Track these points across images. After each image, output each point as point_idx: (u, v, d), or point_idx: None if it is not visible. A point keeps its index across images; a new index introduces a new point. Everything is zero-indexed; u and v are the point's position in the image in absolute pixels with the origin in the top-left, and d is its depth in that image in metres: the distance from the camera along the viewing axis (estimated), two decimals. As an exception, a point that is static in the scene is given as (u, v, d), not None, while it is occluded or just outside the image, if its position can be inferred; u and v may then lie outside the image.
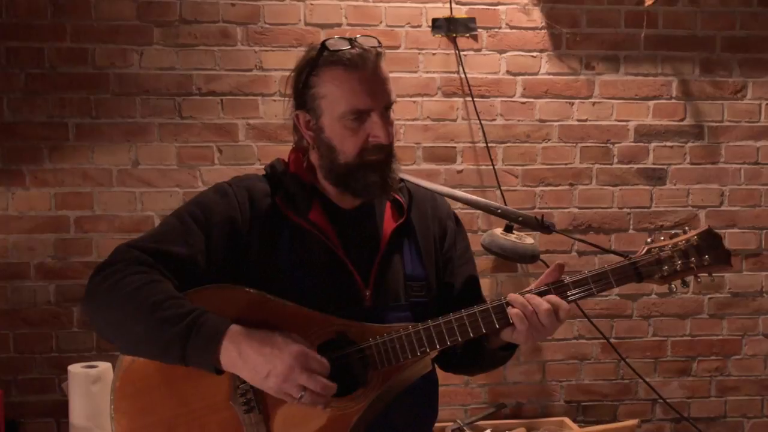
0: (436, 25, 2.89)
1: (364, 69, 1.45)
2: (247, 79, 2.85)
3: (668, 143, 3.03)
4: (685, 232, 1.48)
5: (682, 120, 3.03)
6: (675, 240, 1.47)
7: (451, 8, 2.88)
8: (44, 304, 2.82)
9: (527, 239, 2.81)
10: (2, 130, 2.78)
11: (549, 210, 2.96)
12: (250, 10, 2.83)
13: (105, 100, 2.81)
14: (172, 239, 1.44)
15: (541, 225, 1.60)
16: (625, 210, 3.02)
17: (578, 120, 2.99)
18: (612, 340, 3.00)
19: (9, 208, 2.79)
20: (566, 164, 3.00)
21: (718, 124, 3.05)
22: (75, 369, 2.40)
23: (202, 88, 2.84)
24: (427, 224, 1.61)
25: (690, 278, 1.47)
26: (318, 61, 1.47)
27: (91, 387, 2.37)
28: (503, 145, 2.96)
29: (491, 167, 2.93)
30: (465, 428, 2.84)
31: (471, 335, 1.43)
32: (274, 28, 2.85)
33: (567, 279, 1.46)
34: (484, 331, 1.43)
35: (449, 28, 2.89)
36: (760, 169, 3.07)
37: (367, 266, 1.52)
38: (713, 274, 1.48)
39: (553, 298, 1.42)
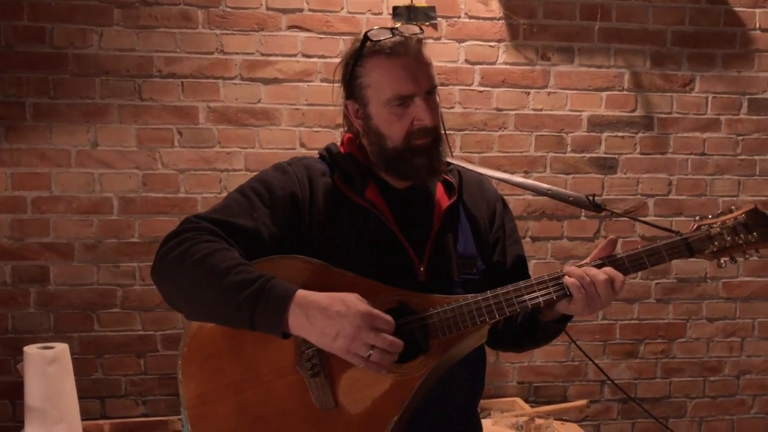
0: (397, 12, 2.87)
1: (406, 55, 1.48)
2: (207, 62, 2.79)
3: (619, 133, 3.06)
4: (731, 211, 1.52)
5: (633, 111, 3.07)
6: (723, 218, 1.51)
7: (411, -3, 2.86)
8: (0, 285, 2.73)
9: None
10: (-43, 108, 2.69)
11: (505, 196, 2.96)
12: (211, -7, 2.78)
13: (63, 80, 2.73)
14: (237, 212, 1.47)
15: (593, 204, 1.64)
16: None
17: (534, 109, 3.00)
18: (563, 323, 3.03)
19: (-36, 187, 2.70)
20: (522, 152, 3.01)
21: (667, 115, 3.09)
22: (31, 350, 2.34)
23: (162, 70, 2.78)
24: (477, 205, 1.64)
25: (738, 254, 1.51)
26: (362, 51, 1.51)
27: (47, 368, 2.31)
28: (461, 132, 2.96)
29: (449, 154, 2.92)
30: (420, 408, 2.84)
31: (529, 306, 1.46)
32: (235, 12, 2.80)
33: (621, 254, 1.49)
34: (542, 302, 1.46)
35: (409, 16, 2.87)
36: (706, 159, 3.13)
37: (421, 243, 1.54)
38: (760, 250, 1.52)
39: (609, 269, 1.45)
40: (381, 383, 1.41)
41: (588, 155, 3.05)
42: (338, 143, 1.63)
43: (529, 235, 3.03)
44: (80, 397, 2.37)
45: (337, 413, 1.41)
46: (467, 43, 2.94)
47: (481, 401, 2.89)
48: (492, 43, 2.95)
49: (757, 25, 3.10)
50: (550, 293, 1.46)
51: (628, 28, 3.03)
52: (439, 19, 2.90)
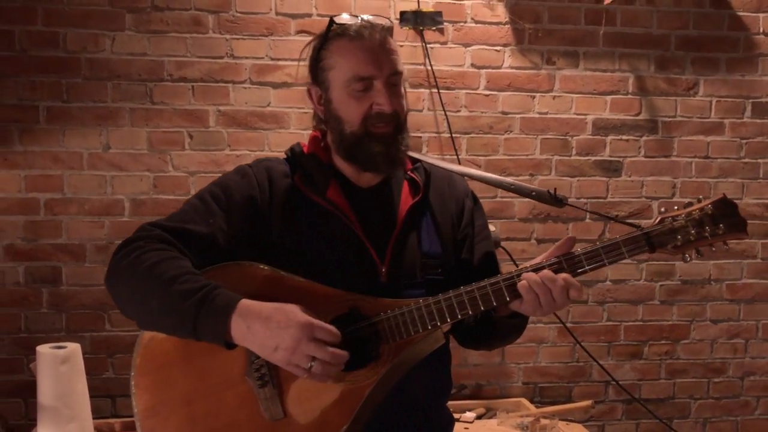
0: (404, 17, 2.87)
1: (369, 39, 1.45)
2: (218, 66, 2.79)
3: (624, 137, 3.05)
4: (699, 201, 1.41)
5: (637, 114, 3.05)
6: (689, 209, 1.40)
7: (418, 2, 2.86)
8: (13, 285, 2.74)
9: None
10: (-28, 112, 2.69)
11: (509, 199, 2.96)
12: (221, -2, 2.79)
13: (76, 84, 2.73)
14: (192, 218, 1.45)
15: (554, 199, 1.58)
16: (582, 200, 3.04)
17: (539, 113, 2.99)
18: (568, 325, 3.02)
19: (-22, 189, 2.71)
20: (527, 155, 3.00)
21: (671, 119, 3.07)
22: (43, 349, 2.34)
23: (173, 74, 2.78)
24: (445, 202, 1.60)
25: (705, 248, 1.39)
26: (327, 35, 1.48)
27: (59, 367, 2.31)
28: (467, 135, 2.95)
29: (455, 157, 2.92)
30: (427, 408, 2.83)
31: (481, 308, 1.41)
32: (245, 17, 2.80)
33: (578, 251, 1.41)
34: (494, 304, 1.41)
35: (416, 21, 2.87)
36: (710, 162, 3.11)
37: (383, 243, 1.50)
38: (728, 242, 1.40)
39: (567, 277, 1.38)
40: (330, 392, 1.38)
41: (593, 158, 3.04)
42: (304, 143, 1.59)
43: (535, 237, 3.02)
44: (91, 396, 2.37)
45: (286, 424, 1.38)
46: (473, 47, 2.93)
47: (487, 401, 2.92)
48: (498, 48, 2.94)
49: (761, 30, 3.08)
50: (503, 295, 1.40)
51: (633, 32, 3.01)
52: (445, 23, 2.90)
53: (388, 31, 1.48)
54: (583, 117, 3.02)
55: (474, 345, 1.69)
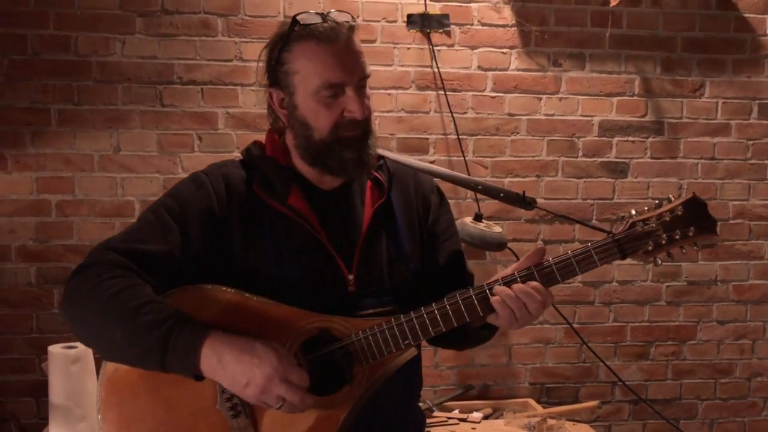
0: (411, 20, 2.87)
1: (337, 42, 1.36)
2: (227, 69, 2.80)
3: (630, 138, 3.04)
4: (670, 201, 1.35)
5: (643, 116, 3.04)
6: (659, 211, 1.34)
7: (425, 4, 2.85)
8: (25, 286, 2.75)
9: (495, 228, 2.80)
10: (-15, 114, 2.71)
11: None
12: (230, 1, 2.78)
13: (87, 87, 2.74)
14: (147, 237, 1.37)
15: (523, 200, 1.53)
16: (588, 201, 3.03)
17: (545, 114, 2.98)
18: (575, 325, 3.01)
19: (-9, 191, 2.72)
20: (533, 156, 2.99)
21: (677, 120, 3.06)
22: (55, 349, 2.35)
23: (182, 77, 2.78)
24: (410, 201, 1.53)
25: (675, 251, 1.34)
26: (290, 36, 1.38)
27: (70, 367, 2.32)
28: (474, 137, 2.95)
29: (462, 158, 2.91)
30: (434, 408, 2.83)
31: (454, 325, 1.36)
32: (254, 20, 2.80)
33: (550, 260, 1.36)
34: (467, 319, 1.37)
35: (423, 23, 2.87)
36: (716, 164, 3.09)
37: (349, 250, 1.44)
38: (698, 244, 1.35)
39: (539, 286, 1.34)
40: (305, 419, 1.33)
41: (599, 159, 3.03)
42: (261, 142, 1.50)
43: (541, 239, 3.01)
44: (102, 396, 2.37)
45: None
46: (480, 49, 2.92)
47: (494, 402, 2.91)
48: (504, 50, 2.94)
49: (767, 31, 3.06)
50: (476, 311, 1.35)
51: (639, 34, 3.00)
52: (452, 26, 2.89)
53: (353, 30, 1.39)
54: (589, 118, 3.01)
55: (441, 345, 1.63)
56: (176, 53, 2.77)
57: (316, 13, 1.39)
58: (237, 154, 2.77)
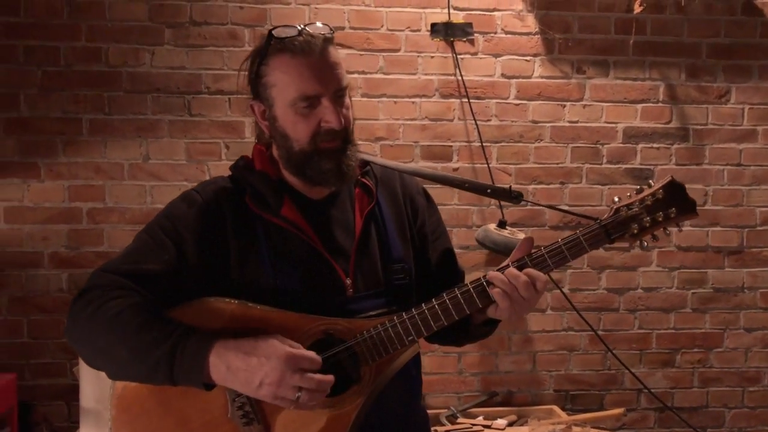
0: (435, 29, 2.86)
1: (311, 55, 1.36)
2: (253, 78, 2.81)
3: (655, 145, 3.00)
4: (649, 186, 1.39)
5: (668, 123, 3.00)
6: (641, 196, 1.38)
7: (449, 13, 2.85)
8: (57, 292, 2.78)
9: (519, 235, 2.78)
10: (19, 124, 2.75)
11: (540, 208, 2.93)
12: (257, 12, 2.80)
13: (117, 97, 2.78)
14: (144, 257, 1.36)
15: (509, 194, 1.53)
16: (613, 206, 2.99)
17: (569, 121, 2.96)
18: (599, 332, 2.97)
19: (24, 199, 2.76)
20: (557, 164, 2.96)
21: (702, 127, 3.02)
22: (85, 354, 2.37)
23: (210, 87, 2.81)
24: (398, 204, 1.53)
25: (659, 232, 1.39)
26: (267, 50, 1.38)
27: (101, 372, 2.34)
28: (497, 144, 2.93)
29: (486, 166, 2.90)
30: (458, 415, 2.81)
31: (456, 318, 1.37)
32: (279, 31, 2.81)
33: (541, 249, 1.37)
34: (467, 312, 1.37)
35: (447, 32, 2.86)
36: (742, 170, 3.04)
37: (345, 255, 1.44)
38: (680, 224, 1.41)
39: (530, 270, 1.34)
40: (316, 421, 1.33)
41: (624, 166, 2.99)
42: (248, 156, 1.51)
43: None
44: (131, 400, 2.39)
45: None
46: (503, 57, 2.91)
47: (519, 408, 2.88)
48: (528, 58, 2.92)
49: (794, 37, 3.02)
50: (475, 302, 1.36)
51: (663, 41, 2.97)
52: (476, 34, 2.88)
53: (330, 41, 1.39)
54: (613, 125, 2.98)
55: (440, 342, 1.62)
56: (204, 63, 2.80)
57: (292, 26, 1.39)
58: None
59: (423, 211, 1.57)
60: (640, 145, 2.99)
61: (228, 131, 2.82)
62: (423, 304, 1.37)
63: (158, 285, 1.35)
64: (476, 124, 2.89)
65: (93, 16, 2.74)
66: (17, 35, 2.72)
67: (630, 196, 1.40)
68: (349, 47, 2.84)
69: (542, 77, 2.93)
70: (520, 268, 1.35)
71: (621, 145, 2.98)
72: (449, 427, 2.69)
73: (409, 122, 2.88)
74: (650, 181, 1.41)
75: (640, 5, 2.87)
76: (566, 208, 1.99)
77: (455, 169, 2.90)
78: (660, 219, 1.36)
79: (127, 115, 2.78)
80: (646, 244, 1.39)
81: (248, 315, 1.34)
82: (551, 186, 2.96)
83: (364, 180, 1.50)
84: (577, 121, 2.96)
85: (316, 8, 2.82)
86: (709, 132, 3.02)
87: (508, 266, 1.37)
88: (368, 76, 2.85)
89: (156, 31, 2.77)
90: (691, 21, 2.97)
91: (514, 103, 2.93)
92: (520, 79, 2.92)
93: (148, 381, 1.31)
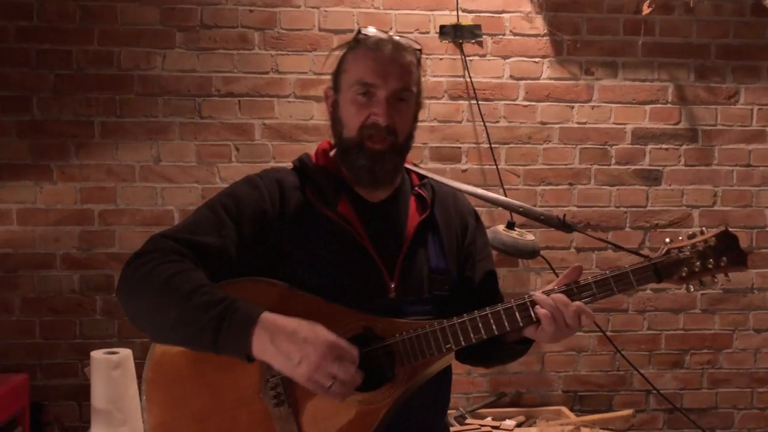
0: (444, 31, 2.85)
1: (381, 51, 1.42)
2: (263, 81, 2.81)
3: (664, 146, 2.98)
4: (702, 233, 1.42)
5: (677, 124, 2.98)
6: (693, 241, 1.41)
7: (458, 16, 2.84)
8: (69, 293, 2.78)
9: (528, 236, 2.76)
10: (32, 127, 2.75)
11: (549, 208, 2.90)
12: (267, 16, 2.80)
13: (129, 100, 2.78)
14: (204, 230, 1.39)
15: (562, 224, 1.56)
16: (622, 209, 2.97)
17: (578, 123, 2.94)
18: (608, 333, 2.95)
19: (37, 201, 2.77)
20: (566, 165, 2.94)
21: (711, 127, 2.99)
22: (97, 355, 2.36)
23: (220, 89, 2.80)
24: (449, 219, 1.56)
25: (708, 279, 1.41)
26: (351, 44, 1.48)
27: (112, 372, 2.33)
28: (506, 146, 2.92)
29: (494, 167, 2.88)
30: (467, 415, 2.79)
31: (495, 332, 1.38)
32: (289, 34, 2.81)
33: (589, 279, 1.40)
34: (508, 329, 1.38)
35: (456, 34, 2.85)
36: (752, 171, 3.01)
37: (392, 259, 1.46)
38: (729, 275, 1.42)
39: (581, 304, 1.37)
40: (346, 412, 1.33)
41: (632, 167, 2.97)
42: (311, 154, 1.55)
43: (574, 246, 2.96)
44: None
45: None
46: (512, 59, 2.89)
47: (527, 409, 2.86)
48: (536, 59, 2.90)
49: (803, 37, 2.98)
50: (517, 320, 1.37)
51: (672, 42, 2.94)
52: (484, 36, 2.87)
53: (409, 50, 1.45)
54: (622, 126, 2.96)
55: (469, 362, 1.63)
56: (214, 66, 2.79)
57: (383, 31, 1.48)
58: (274, 164, 2.81)
59: (473, 231, 1.59)
60: (649, 146, 2.97)
61: (238, 133, 2.82)
62: (465, 315, 1.38)
63: (212, 258, 1.37)
64: (485, 126, 2.87)
65: (105, 20, 2.75)
66: (30, 39, 2.73)
67: (681, 239, 1.43)
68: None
69: (551, 79, 2.91)
70: (568, 295, 1.38)
71: (630, 146, 2.96)
72: (458, 428, 2.67)
73: (419, 123, 2.84)
74: (703, 228, 1.43)
75: (648, 6, 2.84)
76: (615, 242, 1.99)
77: (464, 171, 2.89)
78: (710, 266, 1.39)
79: (139, 118, 2.79)
80: (692, 288, 1.42)
81: (293, 299, 1.37)
82: (560, 187, 2.94)
83: (420, 191, 1.54)
84: (585, 123, 2.94)
85: (325, 11, 2.81)
86: (718, 133, 2.99)
87: (553, 290, 1.40)
88: (377, 78, 2.84)
89: (167, 35, 2.77)
90: (699, 22, 2.94)
91: (523, 105, 2.91)
92: (529, 81, 2.91)
93: (190, 345, 1.32)
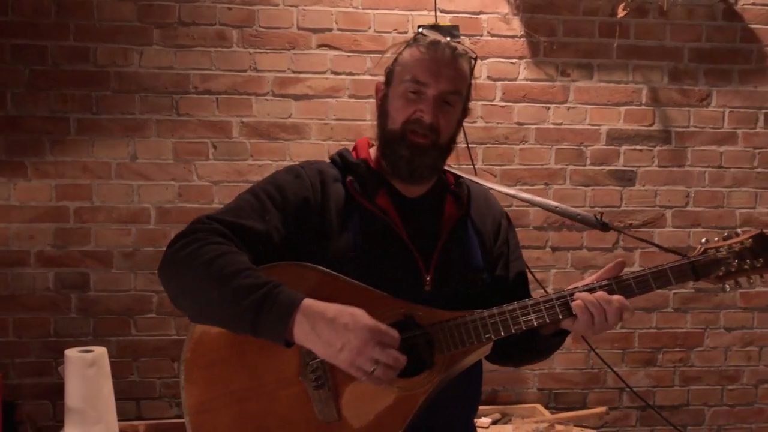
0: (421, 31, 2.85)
1: (436, 53, 1.46)
2: (241, 79, 2.80)
3: (638, 147, 3.01)
4: (738, 234, 1.45)
5: (651, 125, 3.01)
6: (729, 242, 1.44)
7: (435, 16, 2.84)
8: (43, 291, 2.74)
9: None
10: (6, 123, 2.71)
11: (525, 208, 2.93)
12: (245, 13, 2.78)
13: (105, 96, 2.74)
14: (248, 214, 1.41)
15: (600, 223, 1.58)
16: (596, 209, 2.99)
17: (554, 124, 2.96)
18: (583, 332, 2.97)
19: (11, 198, 2.72)
20: (542, 165, 2.97)
21: (684, 129, 3.03)
22: (71, 353, 2.34)
23: (198, 87, 2.78)
24: (483, 219, 1.60)
25: (744, 280, 1.45)
26: (409, 42, 1.53)
27: (86, 370, 2.31)
28: (483, 146, 2.93)
29: (472, 167, 2.89)
30: (443, 413, 2.79)
31: (534, 325, 1.40)
32: (268, 32, 2.80)
33: (628, 275, 1.43)
34: (547, 321, 1.40)
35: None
36: (723, 172, 3.06)
37: (428, 252, 1.48)
38: (765, 276, 1.46)
39: (622, 299, 1.40)
40: (385, 398, 1.35)
41: (607, 168, 3.00)
42: (351, 149, 1.59)
43: (549, 245, 2.98)
44: (117, 399, 2.36)
45: (341, 427, 1.35)
46: (489, 60, 2.91)
47: (503, 407, 2.87)
48: (513, 60, 2.92)
49: (773, 42, 3.04)
50: (556, 313, 1.40)
51: (646, 45, 2.98)
52: (462, 37, 2.87)
53: (465, 57, 1.50)
54: (597, 128, 2.98)
55: (503, 360, 1.63)
56: (192, 64, 2.77)
57: (441, 34, 1.53)
58: (251, 162, 2.80)
59: (505, 232, 1.62)
60: (623, 147, 3.00)
61: (215, 131, 2.80)
62: (505, 306, 1.40)
63: (255, 243, 1.39)
64: (462, 126, 2.87)
65: (81, 16, 2.71)
66: (4, 34, 2.68)
67: (717, 240, 1.46)
68: (337, 48, 2.83)
69: (527, 80, 2.93)
70: (608, 292, 1.40)
71: (604, 147, 2.99)
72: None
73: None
74: (738, 230, 1.48)
75: (623, 9, 2.87)
76: (657, 242, 2.01)
77: (441, 170, 2.90)
78: (746, 267, 1.43)
79: (115, 115, 2.75)
80: (728, 288, 1.45)
81: (333, 284, 1.38)
82: (536, 187, 2.96)
83: (456, 190, 1.57)
84: (561, 123, 2.96)
85: (304, 9, 2.80)
86: (691, 134, 3.03)
87: (594, 285, 1.42)
88: (356, 77, 2.84)
89: (144, 32, 2.74)
90: (673, 26, 2.98)
91: (500, 105, 2.93)
92: (506, 82, 2.92)
93: (230, 327, 1.33)
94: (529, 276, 1.72)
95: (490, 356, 1.57)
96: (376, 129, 1.54)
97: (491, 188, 1.65)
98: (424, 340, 1.38)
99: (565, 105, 2.96)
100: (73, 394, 2.29)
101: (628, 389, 3.00)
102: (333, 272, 1.40)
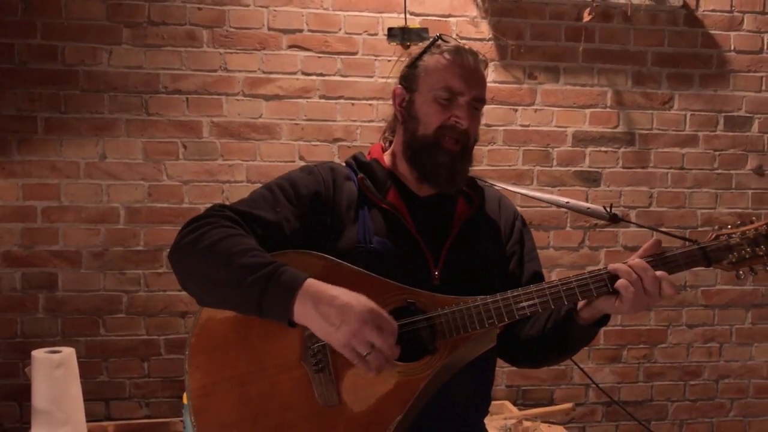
0: (392, 33, 2.86)
1: (464, 60, 1.50)
2: (211, 79, 2.78)
3: (603, 148, 3.06)
4: (752, 222, 1.43)
5: (615, 127, 3.06)
6: (743, 228, 1.42)
7: (405, 19, 2.85)
8: (10, 291, 2.69)
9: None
10: (-29, 122, 2.66)
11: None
12: (216, 14, 2.77)
13: (74, 95, 2.71)
14: (261, 206, 1.45)
15: (610, 216, 1.58)
16: (563, 209, 3.04)
17: (521, 125, 2.99)
18: (550, 329, 3.00)
19: (-23, 197, 2.67)
20: (510, 166, 3.00)
21: (647, 131, 3.08)
22: (39, 354, 2.30)
23: (168, 86, 2.76)
24: (496, 221, 1.61)
25: (759, 266, 1.41)
26: (429, 48, 1.54)
27: (54, 371, 2.27)
28: (452, 147, 2.95)
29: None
30: (413, 411, 2.80)
31: (538, 311, 1.38)
32: (238, 32, 2.78)
33: (635, 257, 1.39)
34: (552, 307, 1.38)
35: (403, 37, 2.86)
36: (685, 173, 3.12)
37: (438, 248, 1.50)
38: None
39: (662, 272, 1.36)
40: (385, 382, 1.34)
41: (573, 169, 3.04)
42: (365, 153, 1.62)
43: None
44: (86, 400, 2.33)
45: (340, 410, 1.35)
46: (458, 62, 2.93)
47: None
48: (482, 63, 2.94)
49: (732, 47, 3.10)
50: (577, 295, 1.36)
51: (611, 49, 3.03)
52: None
53: (483, 63, 1.54)
54: (563, 129, 3.03)
55: (525, 358, 1.62)
56: (162, 63, 2.75)
57: (458, 41, 1.56)
58: (221, 162, 2.78)
59: (518, 232, 1.63)
60: (589, 149, 3.04)
61: (185, 131, 2.78)
62: (508, 291, 1.39)
63: (266, 232, 1.42)
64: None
65: (48, 14, 2.67)
66: (-30, 31, 2.64)
67: (730, 227, 1.44)
68: (308, 50, 2.82)
69: (495, 82, 2.96)
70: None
71: (570, 148, 3.03)
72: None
73: (366, 124, 2.88)
74: (753, 218, 1.45)
75: (589, 14, 2.92)
76: (666, 230, 1.99)
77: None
78: (761, 253, 1.39)
79: (84, 114, 2.72)
80: (742, 275, 1.42)
81: (338, 272, 1.40)
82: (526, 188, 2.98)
83: (468, 191, 1.60)
84: (528, 125, 3.00)
85: (274, 10, 2.79)
86: (654, 137, 3.09)
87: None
88: (326, 78, 2.84)
89: (113, 31, 2.71)
90: (636, 30, 3.03)
91: (469, 107, 2.95)
92: (475, 84, 2.94)
93: (235, 307, 1.35)
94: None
95: (509, 356, 1.57)
96: (399, 133, 1.56)
97: (500, 188, 1.67)
98: (426, 325, 1.38)
99: (533, 107, 2.99)
100: (40, 396, 2.25)
101: (593, 385, 3.05)
102: (337, 261, 1.41)
